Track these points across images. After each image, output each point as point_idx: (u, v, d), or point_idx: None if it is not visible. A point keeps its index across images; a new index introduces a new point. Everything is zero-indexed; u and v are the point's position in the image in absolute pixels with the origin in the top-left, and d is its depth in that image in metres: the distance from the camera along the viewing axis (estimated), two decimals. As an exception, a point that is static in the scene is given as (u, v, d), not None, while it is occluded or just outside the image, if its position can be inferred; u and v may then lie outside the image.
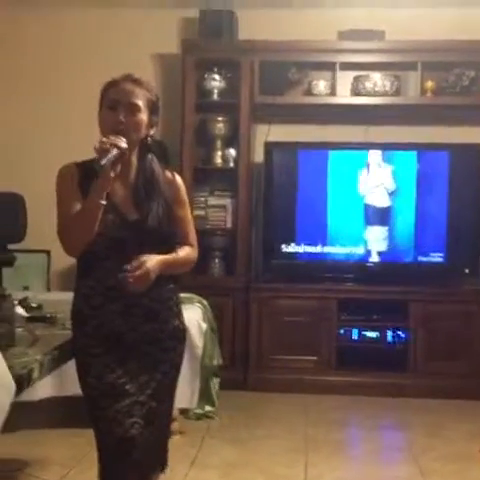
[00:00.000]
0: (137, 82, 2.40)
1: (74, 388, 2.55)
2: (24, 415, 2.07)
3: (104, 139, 2.26)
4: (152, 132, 2.44)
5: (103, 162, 2.22)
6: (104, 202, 2.26)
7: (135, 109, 2.36)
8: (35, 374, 2.19)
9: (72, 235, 2.32)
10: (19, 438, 3.83)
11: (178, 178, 2.53)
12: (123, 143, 2.27)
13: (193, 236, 2.53)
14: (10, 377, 1.99)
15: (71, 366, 2.46)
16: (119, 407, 2.33)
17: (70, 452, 3.81)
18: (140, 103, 2.36)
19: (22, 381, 2.07)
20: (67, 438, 3.99)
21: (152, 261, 2.31)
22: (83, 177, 2.35)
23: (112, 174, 2.26)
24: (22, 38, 5.54)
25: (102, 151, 2.23)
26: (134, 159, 2.42)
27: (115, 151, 2.24)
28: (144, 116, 2.38)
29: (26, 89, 5.57)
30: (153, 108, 2.42)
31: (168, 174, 2.50)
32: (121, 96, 2.36)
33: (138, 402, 2.36)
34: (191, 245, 2.52)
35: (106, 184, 2.27)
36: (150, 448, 2.38)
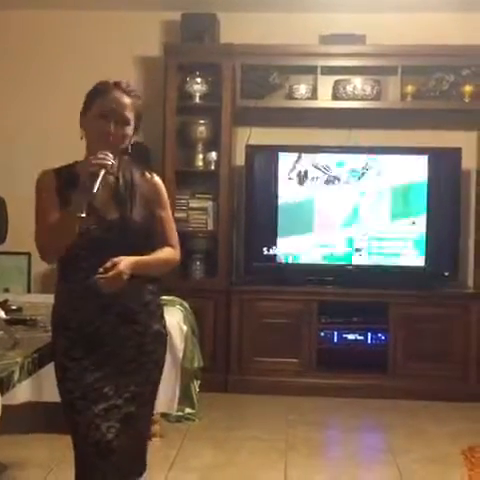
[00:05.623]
0: (127, 92, 2.40)
1: (53, 394, 2.54)
2: (3, 419, 2.05)
3: (93, 161, 2.25)
4: (133, 141, 2.44)
5: (95, 190, 2.22)
6: (83, 215, 2.24)
7: (126, 122, 2.37)
8: (15, 377, 2.19)
9: (48, 244, 2.33)
10: (-1, 441, 3.83)
11: (157, 178, 2.53)
12: (110, 161, 2.27)
13: (174, 237, 2.52)
14: None
15: (50, 372, 2.45)
16: (96, 410, 2.33)
17: (49, 455, 3.81)
18: (131, 117, 2.38)
19: (2, 384, 2.08)
20: (46, 441, 3.99)
21: (125, 262, 2.29)
22: (62, 184, 2.35)
23: (95, 189, 2.25)
24: (2, 40, 5.52)
25: (92, 176, 2.23)
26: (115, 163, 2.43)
27: (103, 172, 2.25)
28: (131, 129, 2.40)
29: (7, 93, 5.54)
30: (139, 118, 2.43)
31: (147, 175, 2.50)
32: (115, 107, 2.36)
33: (115, 406, 2.36)
34: (172, 246, 2.50)
35: (88, 199, 2.25)
36: (128, 452, 2.37)
